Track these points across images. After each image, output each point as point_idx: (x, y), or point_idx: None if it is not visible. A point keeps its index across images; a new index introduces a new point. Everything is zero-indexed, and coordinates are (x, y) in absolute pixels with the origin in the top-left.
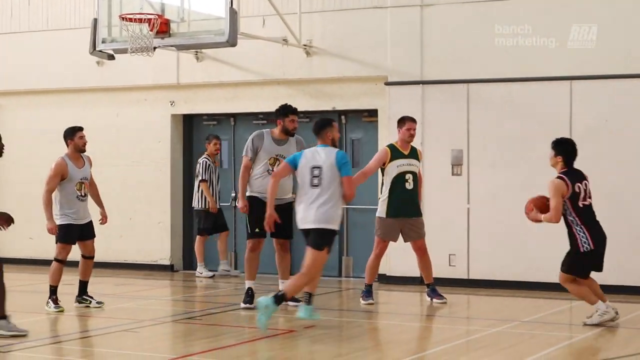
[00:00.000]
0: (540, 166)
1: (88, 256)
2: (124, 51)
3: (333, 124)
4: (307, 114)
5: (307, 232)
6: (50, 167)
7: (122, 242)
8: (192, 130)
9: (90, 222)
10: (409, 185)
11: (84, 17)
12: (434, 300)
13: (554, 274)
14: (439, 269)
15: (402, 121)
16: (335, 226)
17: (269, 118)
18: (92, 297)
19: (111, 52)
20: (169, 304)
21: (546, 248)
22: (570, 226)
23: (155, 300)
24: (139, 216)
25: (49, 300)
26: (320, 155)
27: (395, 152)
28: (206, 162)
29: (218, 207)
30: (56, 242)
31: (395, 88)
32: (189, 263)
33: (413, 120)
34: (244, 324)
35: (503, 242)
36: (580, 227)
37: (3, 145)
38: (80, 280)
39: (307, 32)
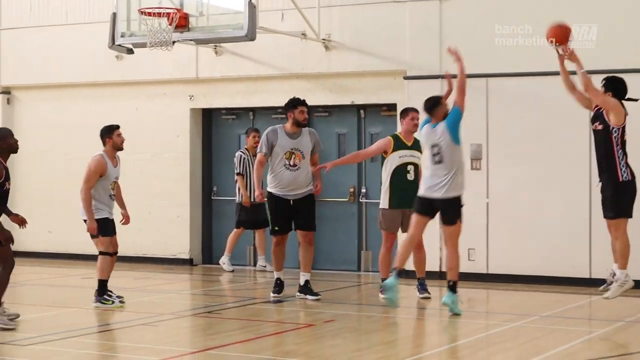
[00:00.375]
0: (560, 160)
1: (112, 252)
2: (143, 45)
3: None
4: (326, 108)
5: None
6: (88, 164)
7: (141, 236)
8: (211, 124)
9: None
10: (410, 177)
11: (103, 11)
12: (419, 294)
13: (573, 269)
14: None
15: (406, 112)
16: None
17: (286, 112)
18: (112, 292)
19: (130, 46)
20: (188, 298)
21: (566, 242)
22: (613, 154)
23: (175, 294)
24: (157, 210)
25: (103, 295)
26: (437, 132)
27: (398, 143)
28: (241, 155)
29: (252, 201)
30: (95, 237)
31: (414, 82)
32: (208, 257)
33: (416, 111)
34: (263, 318)
35: (522, 236)
36: (622, 156)
37: (16, 141)
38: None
39: (326, 26)
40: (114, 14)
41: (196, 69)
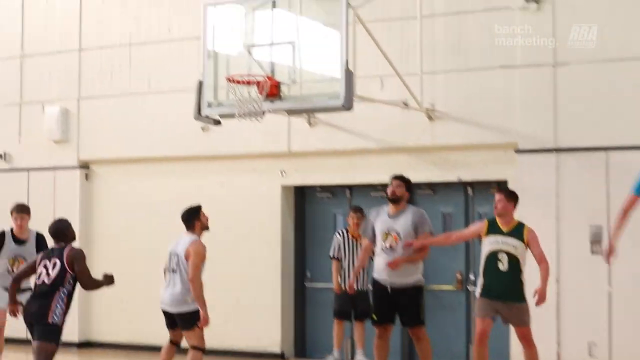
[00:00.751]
0: None
1: (175, 342)
2: (231, 116)
3: None
4: (431, 185)
5: None
6: (195, 250)
7: (227, 327)
8: (305, 203)
9: None
10: (502, 267)
11: (187, 78)
12: None
13: None
14: None
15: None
16: None
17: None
18: None
19: (217, 117)
20: None
21: None
22: None
23: None
24: (246, 298)
25: None
26: None
27: (492, 227)
28: (337, 237)
29: (358, 288)
30: (192, 329)
31: (526, 156)
32: (301, 350)
33: (499, 192)
34: None
35: None
36: None
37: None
38: None
39: (429, 95)
40: (200, 82)
41: (288, 142)
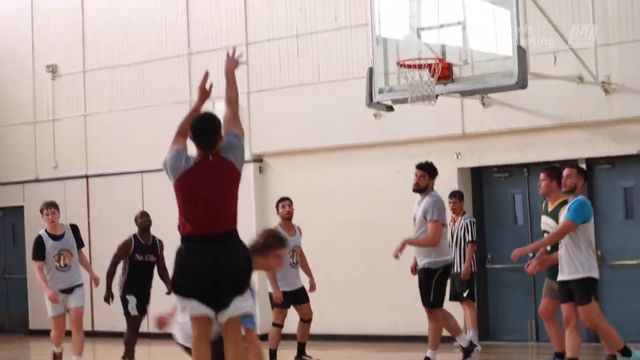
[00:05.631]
0: None
1: (306, 319)
2: (403, 101)
3: None
4: (610, 159)
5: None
6: None
7: (413, 313)
8: (482, 185)
9: (302, 287)
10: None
11: (357, 65)
12: None
13: None
14: None
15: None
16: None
17: (566, 166)
18: (310, 357)
19: (390, 102)
20: None
21: None
22: None
23: None
24: None
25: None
26: None
27: (544, 208)
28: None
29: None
30: (272, 308)
31: None
32: (485, 332)
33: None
34: None
35: None
36: None
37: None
38: (298, 342)
39: (604, 67)
40: (371, 69)
41: (462, 124)
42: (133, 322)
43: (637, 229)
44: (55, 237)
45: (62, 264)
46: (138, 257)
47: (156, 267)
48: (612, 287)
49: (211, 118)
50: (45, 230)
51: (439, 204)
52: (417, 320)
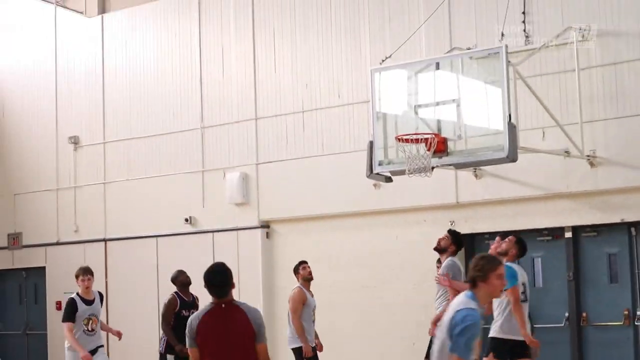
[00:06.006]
0: None
1: None
2: (401, 173)
3: None
4: (595, 227)
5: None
6: (290, 296)
7: None
8: (474, 250)
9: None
10: None
11: (358, 140)
12: None
13: None
14: None
15: None
16: None
17: (554, 234)
18: None
19: (388, 174)
20: None
21: None
22: None
23: None
24: (423, 344)
25: None
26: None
27: None
28: None
29: None
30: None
31: None
32: None
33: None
34: None
35: None
36: None
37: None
38: None
39: (590, 142)
40: (371, 142)
41: (456, 194)
42: None
43: (621, 293)
44: (87, 302)
45: (90, 329)
46: (184, 313)
47: None
48: (597, 346)
49: (221, 272)
50: (78, 294)
51: (453, 268)
52: None
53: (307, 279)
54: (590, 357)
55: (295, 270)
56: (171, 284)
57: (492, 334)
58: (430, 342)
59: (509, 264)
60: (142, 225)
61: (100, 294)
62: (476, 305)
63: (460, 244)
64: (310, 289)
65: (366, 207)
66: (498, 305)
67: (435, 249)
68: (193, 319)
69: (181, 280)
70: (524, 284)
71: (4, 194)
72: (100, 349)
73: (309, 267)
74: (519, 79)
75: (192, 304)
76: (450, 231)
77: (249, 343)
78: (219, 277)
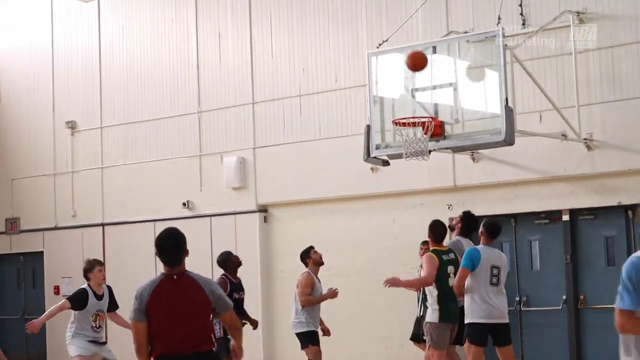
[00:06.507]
0: None
1: None
2: (398, 156)
3: None
4: (592, 210)
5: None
6: (298, 280)
7: (404, 351)
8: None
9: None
10: None
11: (356, 124)
12: None
13: None
14: None
15: None
16: None
17: (551, 217)
18: None
19: (386, 157)
20: None
21: None
22: None
23: None
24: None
25: None
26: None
27: None
28: None
29: None
30: (306, 347)
31: None
32: None
33: None
34: None
35: None
36: None
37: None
38: None
39: (587, 126)
40: (368, 126)
41: (453, 177)
42: None
43: (618, 275)
44: (98, 297)
45: (97, 325)
46: (235, 295)
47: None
48: (594, 329)
49: (174, 235)
50: (90, 287)
51: (454, 247)
52: (408, 358)
53: (318, 264)
54: (588, 340)
55: (305, 256)
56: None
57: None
58: (416, 322)
59: (477, 247)
60: (140, 209)
61: (109, 288)
62: None
63: (470, 226)
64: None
65: (363, 190)
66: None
67: (448, 226)
68: (143, 290)
69: (233, 261)
70: (496, 267)
71: (1, 179)
72: (106, 345)
73: (318, 251)
74: (516, 62)
75: (240, 286)
76: (464, 212)
77: (204, 315)
78: (171, 242)
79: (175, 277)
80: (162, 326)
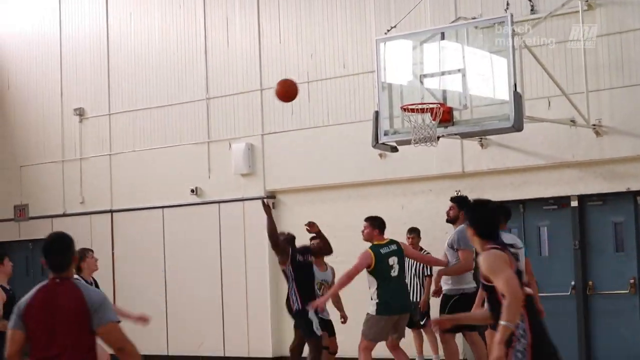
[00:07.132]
0: None
1: (332, 352)
2: (407, 142)
3: None
4: (600, 196)
5: None
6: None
7: (408, 335)
8: None
9: (330, 320)
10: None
11: (364, 110)
12: None
13: None
14: None
15: None
16: None
17: (560, 203)
18: None
19: (394, 144)
20: None
21: None
22: None
23: None
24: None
25: None
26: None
27: None
28: None
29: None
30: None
31: None
32: None
33: None
34: None
35: None
36: None
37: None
38: None
39: (596, 111)
40: (377, 112)
41: (462, 163)
42: (319, 343)
43: (626, 261)
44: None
45: None
46: (300, 258)
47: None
48: (603, 315)
49: (59, 239)
50: (81, 277)
51: (463, 234)
52: (412, 346)
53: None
54: (596, 326)
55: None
56: (177, 255)
57: None
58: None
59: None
60: (148, 196)
61: (94, 279)
62: None
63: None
64: (328, 265)
65: (372, 177)
66: None
67: (447, 221)
68: (23, 299)
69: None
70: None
71: (10, 166)
72: None
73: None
74: (525, 48)
75: (308, 249)
76: (454, 199)
77: (80, 326)
78: (57, 245)
79: (58, 280)
80: (35, 336)
